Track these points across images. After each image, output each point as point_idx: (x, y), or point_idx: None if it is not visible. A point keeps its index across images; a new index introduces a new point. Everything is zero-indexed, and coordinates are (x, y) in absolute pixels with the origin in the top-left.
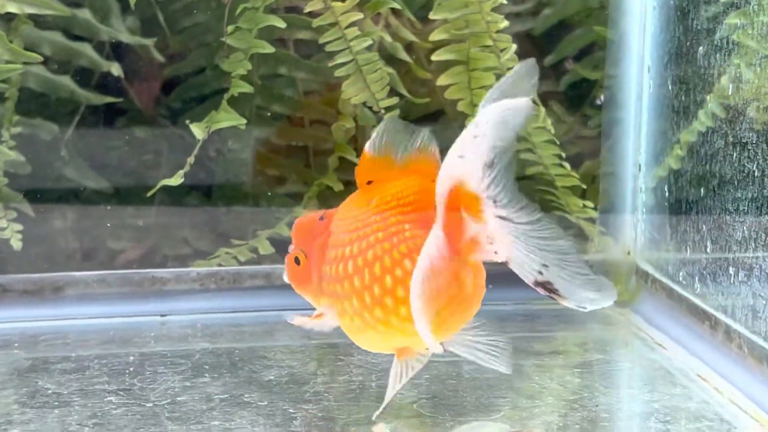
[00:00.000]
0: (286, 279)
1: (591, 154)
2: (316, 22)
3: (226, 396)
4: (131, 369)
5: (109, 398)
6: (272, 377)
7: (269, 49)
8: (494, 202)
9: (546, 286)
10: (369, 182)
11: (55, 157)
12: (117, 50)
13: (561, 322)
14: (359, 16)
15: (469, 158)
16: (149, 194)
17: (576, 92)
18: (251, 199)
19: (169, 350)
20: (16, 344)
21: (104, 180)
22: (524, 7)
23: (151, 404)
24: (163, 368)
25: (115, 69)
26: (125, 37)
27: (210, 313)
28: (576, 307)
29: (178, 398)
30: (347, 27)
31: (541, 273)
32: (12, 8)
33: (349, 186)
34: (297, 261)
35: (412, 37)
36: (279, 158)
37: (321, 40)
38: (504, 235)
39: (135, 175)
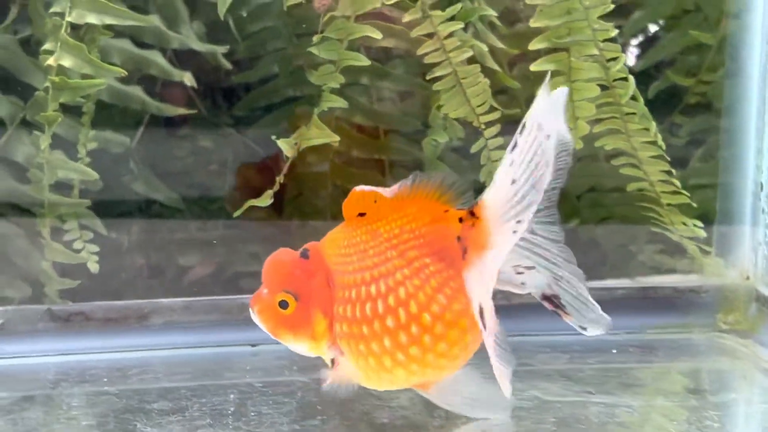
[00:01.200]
0: (262, 326)
1: (680, 164)
2: (414, 32)
3: None
4: (233, 409)
5: None
6: (386, 420)
7: (364, 61)
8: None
9: (553, 300)
10: (360, 214)
11: (124, 170)
12: (180, 57)
13: (681, 354)
14: (459, 26)
15: (497, 183)
16: (236, 214)
17: (665, 99)
18: (326, 213)
19: (269, 386)
20: (105, 379)
21: (173, 192)
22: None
23: None
24: (266, 408)
25: (188, 79)
26: (196, 45)
27: None
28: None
29: None
30: (446, 38)
31: (550, 287)
32: (92, 19)
33: None
34: (284, 305)
35: (498, 44)
36: (353, 170)
37: (419, 51)
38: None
39: (201, 186)
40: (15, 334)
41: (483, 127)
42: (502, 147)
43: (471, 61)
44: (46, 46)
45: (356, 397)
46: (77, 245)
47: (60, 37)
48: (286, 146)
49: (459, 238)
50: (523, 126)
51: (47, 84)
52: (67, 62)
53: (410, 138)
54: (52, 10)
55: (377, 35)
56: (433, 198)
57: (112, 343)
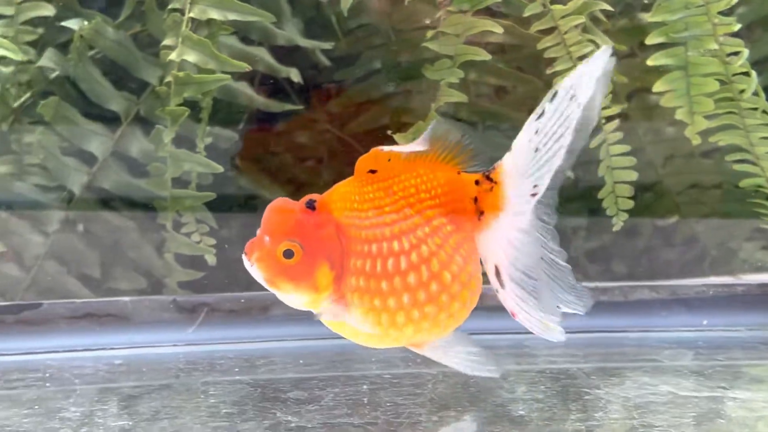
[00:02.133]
0: (257, 275)
1: None
2: (534, 27)
3: None
4: (367, 399)
5: None
6: (523, 412)
7: (485, 56)
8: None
9: (498, 277)
10: (371, 171)
11: (229, 164)
12: (276, 54)
13: None
14: (580, 20)
15: (518, 150)
16: None
17: None
18: None
19: (398, 377)
20: (236, 369)
21: (276, 187)
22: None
23: None
24: (401, 399)
25: (294, 75)
26: (301, 41)
27: None
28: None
29: None
30: (567, 32)
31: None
32: (214, 15)
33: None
34: (288, 254)
35: (604, 38)
36: None
37: (539, 46)
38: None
39: (298, 181)
40: (142, 325)
41: (603, 121)
42: (621, 142)
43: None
44: (166, 41)
45: (486, 389)
46: (195, 238)
47: (182, 33)
48: (403, 141)
49: (475, 200)
50: (555, 94)
51: (169, 79)
52: (191, 57)
53: (508, 134)
54: (171, 6)
55: (498, 29)
56: (445, 160)
57: (236, 333)
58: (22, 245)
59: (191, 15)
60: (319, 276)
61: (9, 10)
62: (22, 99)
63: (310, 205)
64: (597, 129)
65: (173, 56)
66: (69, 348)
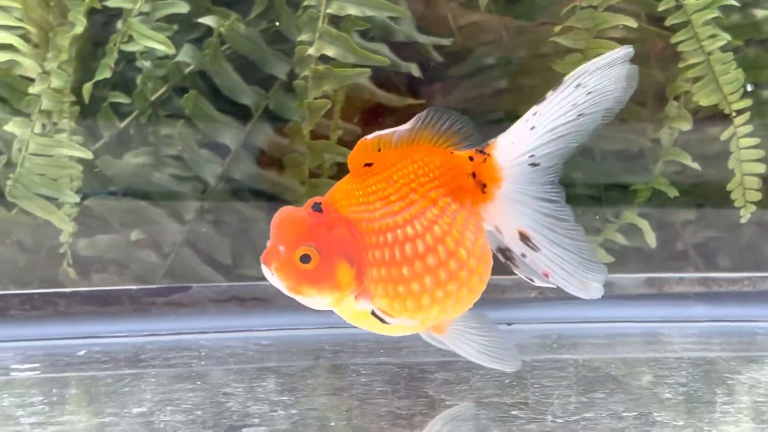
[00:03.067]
0: (278, 284)
1: None
2: (669, 21)
3: (635, 414)
4: (513, 381)
5: (513, 412)
6: (669, 395)
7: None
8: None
9: (506, 253)
10: (367, 165)
11: None
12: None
13: None
14: (714, 14)
15: (515, 129)
16: None
17: None
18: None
19: (540, 362)
20: (381, 351)
21: None
22: None
23: (561, 420)
24: (547, 381)
25: (414, 70)
26: (420, 38)
27: (549, 323)
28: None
29: (586, 414)
30: (701, 26)
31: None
32: (351, 10)
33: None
34: (305, 259)
35: (723, 34)
36: (583, 160)
37: (672, 40)
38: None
39: None
40: (284, 308)
41: (734, 114)
42: (751, 135)
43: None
44: (302, 37)
45: (628, 373)
46: None
47: (320, 28)
48: None
49: (474, 175)
50: (560, 83)
51: (306, 73)
52: (330, 52)
53: (632, 129)
54: (306, 3)
55: (632, 23)
56: (437, 144)
57: None
58: (159, 233)
59: (329, 11)
60: (339, 275)
61: (146, 7)
62: (159, 93)
63: (317, 208)
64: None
65: (311, 51)
66: (218, 329)
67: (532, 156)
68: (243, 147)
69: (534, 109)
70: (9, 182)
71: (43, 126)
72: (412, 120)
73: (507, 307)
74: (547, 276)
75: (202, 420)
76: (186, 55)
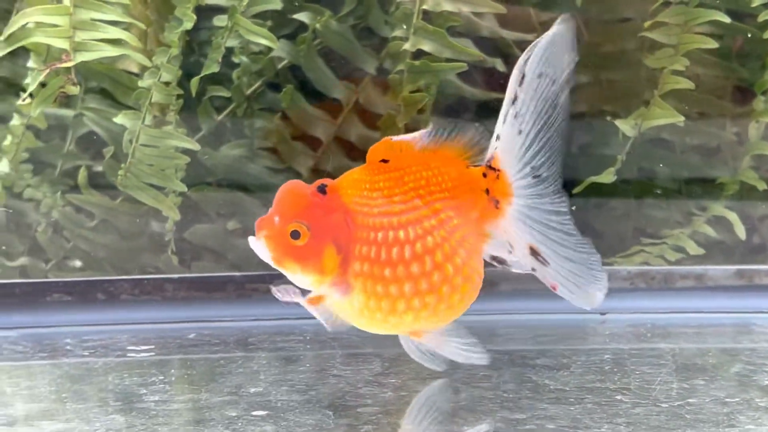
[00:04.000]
0: (264, 253)
1: None
2: (762, 17)
3: (737, 399)
4: (612, 367)
5: (618, 397)
6: (767, 382)
7: (711, 44)
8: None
9: (498, 258)
10: (383, 161)
11: None
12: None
13: None
14: None
15: (505, 137)
16: (575, 191)
17: None
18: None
19: (638, 349)
20: (477, 337)
21: None
22: None
23: (665, 405)
24: (647, 368)
25: (499, 65)
26: (505, 33)
27: (640, 312)
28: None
29: (690, 400)
30: None
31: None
32: (448, 6)
33: None
34: (296, 234)
35: None
36: (658, 151)
37: (766, 36)
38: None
39: None
40: None
41: None
42: None
43: None
44: (396, 32)
45: (723, 362)
46: None
47: (414, 24)
48: (626, 127)
49: (488, 191)
50: (522, 77)
51: (401, 67)
52: (426, 47)
53: (713, 123)
54: None
55: (726, 19)
56: (455, 154)
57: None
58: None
59: (424, 7)
60: (325, 258)
61: (241, 6)
62: (254, 87)
63: (321, 189)
64: None
65: (407, 46)
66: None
67: (533, 168)
68: (334, 140)
69: (512, 110)
70: (121, 172)
71: (155, 118)
72: (426, 135)
73: None
74: (554, 289)
75: (317, 399)
76: (282, 51)
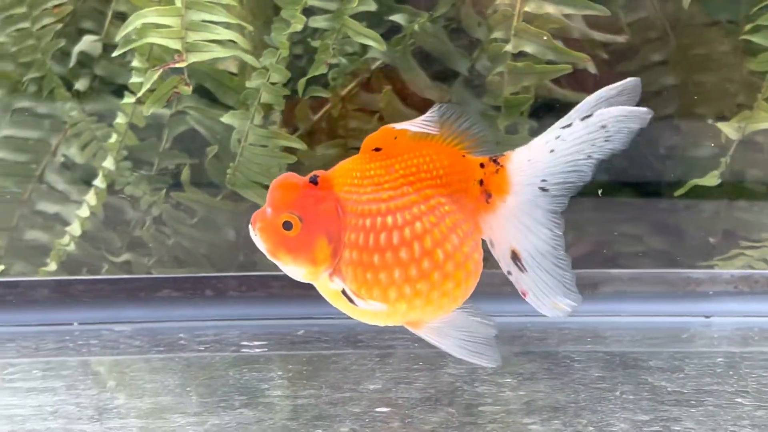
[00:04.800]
0: (259, 244)
1: None
2: None
3: None
4: (727, 370)
5: (738, 399)
6: None
7: None
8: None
9: (517, 260)
10: (376, 149)
11: None
12: None
13: None
14: None
15: (534, 146)
16: (677, 194)
17: None
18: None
19: (748, 353)
20: (588, 339)
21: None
22: None
23: None
24: (762, 371)
25: (591, 66)
26: (597, 35)
27: (745, 316)
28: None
29: None
30: None
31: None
32: (550, 9)
33: None
34: (287, 226)
35: None
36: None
37: None
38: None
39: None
40: (480, 296)
41: None
42: None
43: None
44: (496, 34)
45: None
46: None
47: (515, 26)
48: (730, 130)
49: (481, 182)
50: (589, 116)
51: (501, 69)
52: (528, 48)
53: None
54: (499, 1)
55: None
56: (451, 144)
57: None
58: None
59: (526, 9)
60: (316, 249)
61: (332, 5)
62: (348, 87)
63: (314, 180)
64: None
65: (509, 48)
66: None
67: (545, 180)
68: None
69: (557, 132)
70: (229, 171)
71: (264, 118)
72: (430, 113)
73: (704, 300)
74: (524, 295)
75: (436, 398)
76: (377, 51)
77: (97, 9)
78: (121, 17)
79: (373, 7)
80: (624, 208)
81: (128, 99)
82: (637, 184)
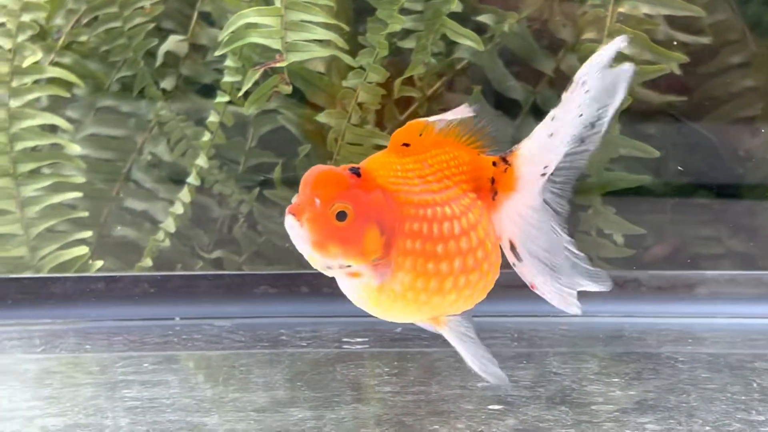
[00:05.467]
0: (303, 238)
1: None
2: None
3: None
4: None
5: None
6: None
7: None
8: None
9: (514, 250)
10: (405, 144)
11: None
12: None
13: None
14: None
15: (535, 136)
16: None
17: None
18: None
19: None
20: (689, 340)
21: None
22: None
23: None
24: None
25: (676, 68)
26: (682, 37)
27: None
28: (567, 289)
29: None
30: None
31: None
32: (646, 10)
33: None
34: (342, 216)
35: None
36: None
37: None
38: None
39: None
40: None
41: None
42: None
43: None
44: (587, 35)
45: None
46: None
47: (609, 27)
48: None
49: (492, 180)
50: (570, 83)
51: None
52: (626, 50)
53: None
54: (590, 2)
55: None
56: (467, 142)
57: (664, 309)
58: None
59: (621, 10)
60: (367, 240)
61: (419, 6)
62: (435, 87)
63: (356, 172)
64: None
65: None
66: (490, 313)
67: (546, 167)
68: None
69: (552, 113)
70: None
71: (362, 118)
72: (453, 111)
73: None
74: (533, 287)
75: (546, 396)
76: (465, 52)
77: (178, 9)
78: (206, 18)
79: (459, 7)
80: (703, 210)
81: (221, 98)
82: (716, 186)
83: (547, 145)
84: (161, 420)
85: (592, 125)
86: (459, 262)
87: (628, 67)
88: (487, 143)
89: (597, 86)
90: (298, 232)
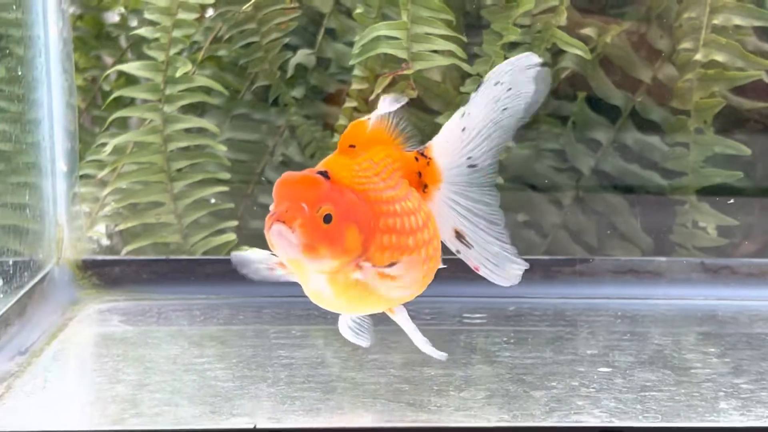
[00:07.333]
0: (291, 244)
1: None
2: None
3: None
4: None
5: None
6: None
7: None
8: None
9: (461, 239)
10: (351, 146)
11: None
12: None
13: None
14: None
15: (446, 131)
16: None
17: None
18: None
19: None
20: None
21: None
22: None
23: None
24: None
25: (765, 76)
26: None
27: None
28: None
29: None
30: None
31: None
32: (738, 21)
33: None
34: (328, 218)
35: None
36: None
37: None
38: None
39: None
40: (673, 281)
41: None
42: None
43: None
44: (683, 45)
45: None
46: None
47: (704, 37)
48: None
49: (420, 174)
50: (480, 83)
51: (690, 76)
52: (719, 57)
53: None
54: (686, 15)
55: None
56: (389, 138)
57: (755, 293)
58: (540, 216)
59: (715, 21)
60: (348, 239)
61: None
62: None
63: (325, 175)
64: None
65: (698, 57)
66: (610, 296)
67: (470, 158)
68: (612, 143)
69: (462, 110)
70: None
71: None
72: (379, 107)
73: None
74: (477, 270)
75: (650, 361)
76: (570, 62)
77: (301, 25)
78: (331, 34)
79: (563, 21)
80: None
81: (349, 104)
82: None
83: (461, 138)
84: (314, 374)
85: (504, 108)
86: (424, 252)
87: (536, 61)
88: (405, 139)
89: (514, 83)
90: (288, 239)
